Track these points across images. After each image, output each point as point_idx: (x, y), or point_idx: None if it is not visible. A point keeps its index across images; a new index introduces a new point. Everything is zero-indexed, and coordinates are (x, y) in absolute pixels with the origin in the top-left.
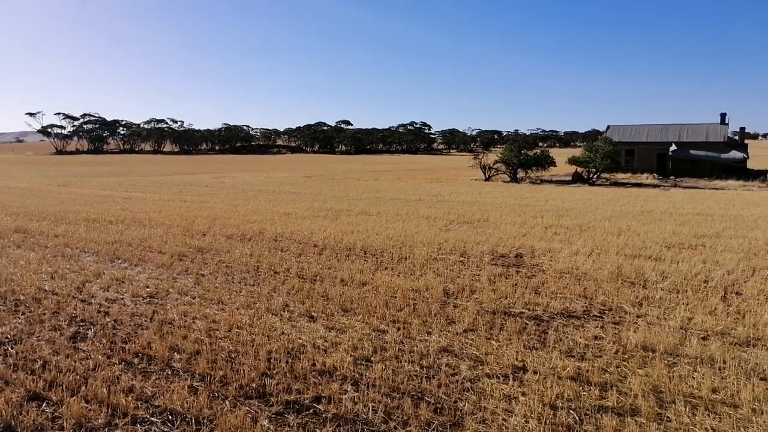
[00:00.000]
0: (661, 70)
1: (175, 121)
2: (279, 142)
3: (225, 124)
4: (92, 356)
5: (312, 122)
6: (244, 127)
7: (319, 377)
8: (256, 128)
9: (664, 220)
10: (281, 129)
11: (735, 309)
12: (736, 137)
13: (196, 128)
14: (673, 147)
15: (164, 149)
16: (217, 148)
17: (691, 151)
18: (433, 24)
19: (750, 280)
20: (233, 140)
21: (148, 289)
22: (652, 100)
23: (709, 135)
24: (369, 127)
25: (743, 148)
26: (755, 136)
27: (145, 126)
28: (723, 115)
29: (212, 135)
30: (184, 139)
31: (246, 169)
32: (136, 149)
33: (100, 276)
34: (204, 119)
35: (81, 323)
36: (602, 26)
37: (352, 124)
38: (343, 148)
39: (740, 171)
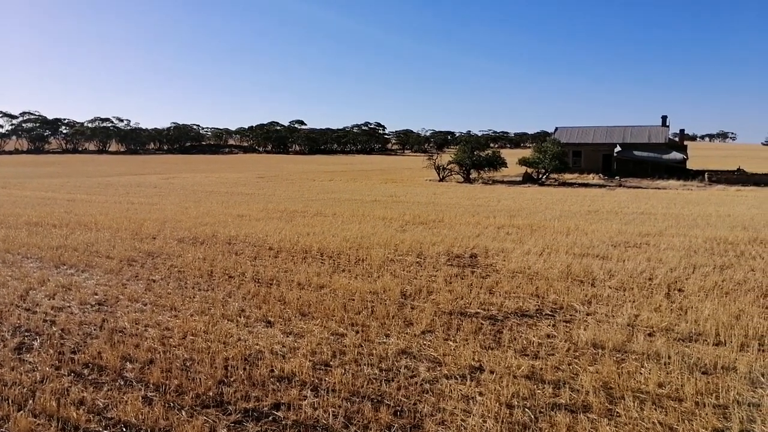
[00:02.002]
0: (606, 73)
1: (121, 120)
2: (231, 141)
3: (174, 123)
4: (39, 368)
5: (265, 122)
6: (194, 127)
7: (277, 383)
8: (207, 128)
9: (610, 219)
10: (233, 128)
11: (678, 305)
12: (677, 139)
13: (144, 127)
14: (618, 148)
15: (110, 149)
16: (165, 147)
17: (635, 152)
18: (387, 23)
19: (691, 278)
20: (183, 140)
21: (97, 297)
22: (598, 102)
23: (651, 137)
24: (323, 128)
25: (683, 149)
26: (694, 138)
27: (90, 125)
28: (664, 118)
29: (161, 134)
30: (130, 138)
31: (196, 169)
32: (80, 149)
33: (45, 283)
34: (152, 118)
35: (26, 333)
36: (549, 30)
37: (306, 124)
38: (297, 148)
39: (680, 171)
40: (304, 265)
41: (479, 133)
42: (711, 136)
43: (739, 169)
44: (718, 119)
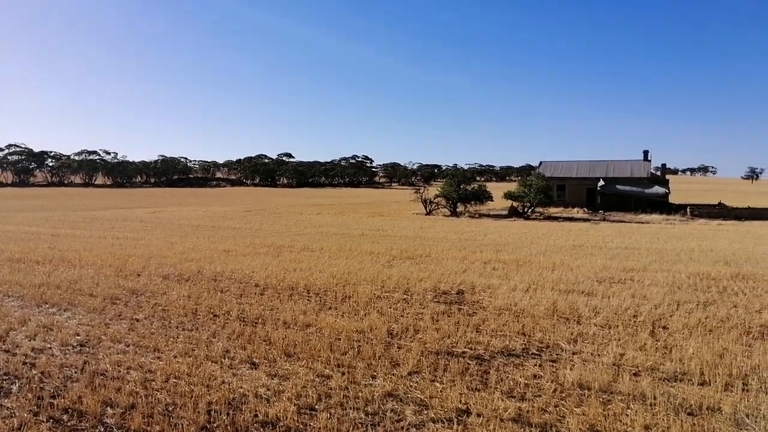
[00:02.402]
0: (588, 108)
1: (109, 153)
2: (218, 174)
3: (162, 155)
4: (17, 414)
5: (253, 154)
6: (182, 159)
7: (261, 429)
8: (195, 160)
9: (595, 254)
10: (221, 161)
11: (663, 344)
12: (658, 173)
13: (131, 160)
14: (601, 182)
15: (96, 182)
16: (152, 180)
17: (618, 187)
18: (375, 57)
19: (675, 314)
20: (170, 173)
21: (79, 337)
22: (581, 136)
23: (633, 171)
24: (311, 160)
25: (665, 183)
26: (675, 172)
27: (76, 157)
28: (645, 152)
29: (148, 167)
30: (117, 171)
31: (183, 202)
32: (66, 182)
33: (26, 323)
34: (140, 151)
35: (4, 377)
36: (532, 66)
37: (294, 157)
38: (285, 181)
39: (663, 205)
40: (291, 302)
41: (465, 167)
42: (692, 170)
43: (720, 204)
44: (698, 153)
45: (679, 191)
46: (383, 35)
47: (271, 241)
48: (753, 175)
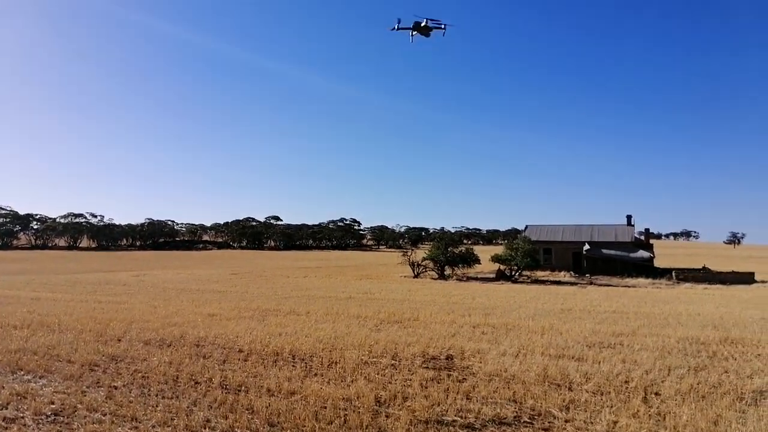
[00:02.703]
0: (571, 173)
1: (95, 216)
2: (205, 237)
3: (148, 218)
4: None
5: (241, 217)
6: (169, 222)
7: None
8: (182, 223)
9: (584, 318)
10: (208, 224)
11: (656, 410)
12: (642, 237)
13: (118, 223)
14: (587, 246)
15: (81, 245)
16: (138, 243)
17: (603, 251)
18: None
19: (667, 380)
20: (157, 235)
21: (53, 406)
22: (565, 201)
23: (617, 235)
24: (299, 223)
25: (649, 247)
26: (659, 236)
27: (62, 220)
28: (629, 217)
29: (134, 230)
30: (103, 234)
31: (169, 266)
32: (50, 245)
33: None
34: (127, 213)
35: None
36: (516, 132)
37: (282, 220)
38: (273, 243)
39: (648, 269)
40: (275, 369)
41: (452, 230)
42: (675, 235)
43: (704, 268)
44: (681, 218)
45: (664, 255)
46: (372, 104)
47: (256, 305)
48: (735, 239)
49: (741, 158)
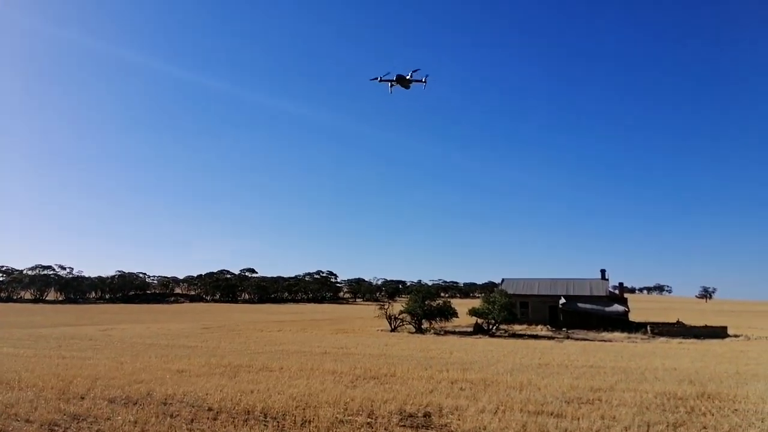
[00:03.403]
0: (547, 227)
1: (64, 268)
2: (178, 290)
3: (119, 271)
4: None
5: (215, 269)
6: (140, 275)
7: None
8: (154, 275)
9: (562, 373)
10: (181, 276)
11: None
12: (617, 291)
13: (87, 275)
14: (563, 300)
15: (47, 298)
16: (107, 296)
17: (579, 305)
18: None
19: None
20: (127, 288)
21: None
22: (541, 254)
23: (592, 289)
24: (275, 276)
25: (624, 301)
26: (632, 290)
27: (29, 272)
28: (603, 271)
29: (104, 283)
30: (71, 286)
31: (138, 319)
32: (15, 297)
33: None
34: (97, 266)
35: None
36: (491, 186)
37: (257, 272)
38: (247, 296)
39: (624, 323)
40: (246, 428)
41: (430, 283)
42: (648, 289)
43: (678, 322)
44: (654, 273)
45: (638, 309)
46: (347, 159)
47: (228, 361)
48: (706, 294)
49: (711, 214)
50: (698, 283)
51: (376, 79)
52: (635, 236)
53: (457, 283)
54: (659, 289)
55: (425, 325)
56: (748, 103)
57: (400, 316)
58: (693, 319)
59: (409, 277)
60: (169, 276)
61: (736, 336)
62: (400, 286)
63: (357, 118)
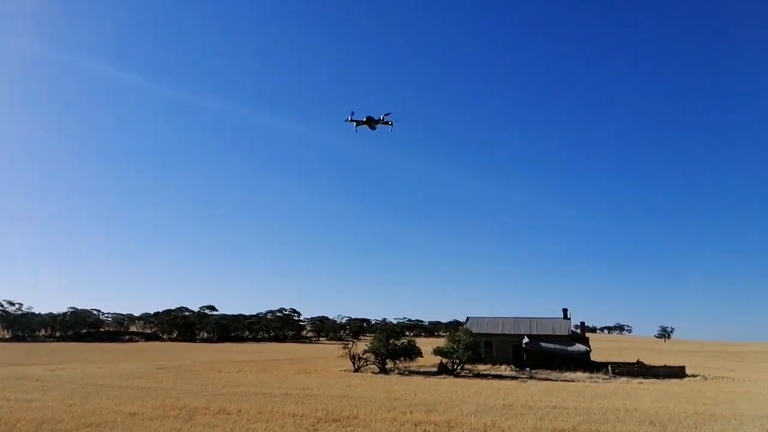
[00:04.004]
0: (511, 266)
1: (12, 304)
2: (133, 328)
3: (72, 307)
4: None
5: (173, 307)
6: (94, 312)
7: None
8: (108, 313)
9: (525, 414)
10: (137, 314)
11: None
12: (578, 330)
13: (37, 312)
14: (526, 339)
15: None
16: (58, 334)
17: (542, 344)
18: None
19: None
20: (80, 326)
21: None
22: (505, 292)
23: (555, 329)
24: (236, 313)
25: (586, 341)
26: (594, 330)
27: None
28: (565, 311)
29: (55, 320)
30: (19, 323)
31: (91, 359)
32: None
33: None
34: (48, 302)
35: None
36: (455, 223)
37: (217, 310)
38: (206, 335)
39: (586, 363)
40: None
41: (395, 321)
42: (609, 329)
43: (638, 362)
44: (614, 313)
45: (599, 349)
46: (310, 194)
47: (183, 403)
48: (665, 334)
49: (670, 255)
50: (657, 323)
51: (348, 120)
52: (596, 276)
53: (422, 321)
54: (619, 328)
55: (389, 365)
56: (701, 157)
57: (364, 356)
58: (652, 358)
59: (374, 315)
60: (124, 313)
61: (693, 376)
62: (365, 325)
63: (318, 153)
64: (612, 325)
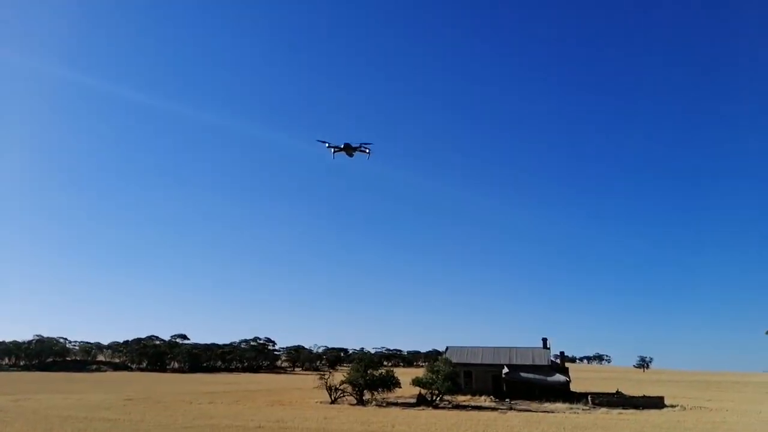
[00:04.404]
0: (490, 295)
1: None
2: (101, 357)
3: (37, 335)
4: None
5: (143, 335)
6: (61, 340)
7: None
8: (75, 341)
9: None
10: (106, 342)
11: None
12: (558, 360)
13: (0, 340)
14: (506, 369)
15: None
16: (22, 363)
17: (522, 374)
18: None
19: None
20: (45, 355)
21: None
22: (484, 320)
23: (535, 359)
24: (208, 343)
25: (565, 371)
26: (573, 360)
27: None
28: (544, 340)
29: (19, 348)
30: None
31: (56, 389)
32: None
33: None
34: (13, 329)
35: None
36: (432, 251)
37: (189, 339)
38: (177, 365)
39: (565, 394)
40: None
41: (373, 350)
42: (588, 358)
43: (617, 392)
44: (593, 342)
45: (579, 379)
46: (285, 220)
47: None
48: (644, 363)
49: (649, 284)
50: (636, 353)
51: (325, 143)
52: (576, 305)
53: (400, 351)
54: (599, 358)
55: (367, 396)
56: (679, 191)
57: (341, 387)
58: (632, 388)
59: (352, 344)
60: (92, 342)
61: (672, 406)
62: (342, 355)
63: (291, 180)
64: (591, 354)
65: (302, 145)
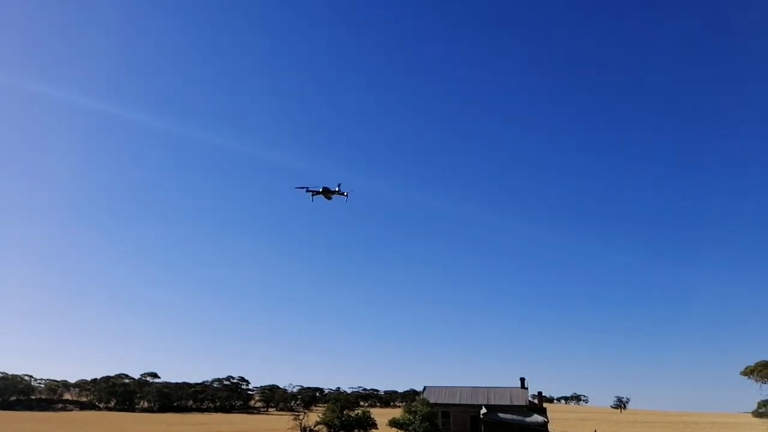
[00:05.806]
0: (468, 335)
1: None
2: (67, 396)
3: (1, 372)
4: None
5: (112, 373)
6: (25, 377)
7: None
8: (41, 378)
9: None
10: (73, 380)
11: None
12: (536, 400)
13: None
14: (484, 410)
15: None
16: None
17: (500, 415)
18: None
19: None
20: (8, 393)
21: None
22: (463, 360)
23: (512, 399)
24: (180, 381)
25: (543, 411)
26: (551, 400)
27: None
28: (522, 380)
29: None
30: None
31: (18, 429)
32: None
33: None
34: None
35: None
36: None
37: (160, 377)
38: (146, 405)
39: None
40: None
41: (349, 390)
42: (566, 398)
43: None
44: (570, 382)
45: (557, 420)
46: (259, 257)
47: None
48: (621, 404)
49: (626, 323)
50: (613, 393)
51: (303, 188)
52: (553, 345)
53: (377, 391)
54: (576, 398)
55: None
56: (659, 228)
57: (316, 428)
58: (609, 429)
59: (328, 384)
60: (58, 379)
61: None
62: (318, 394)
63: (267, 206)
64: (569, 395)
65: (278, 185)
